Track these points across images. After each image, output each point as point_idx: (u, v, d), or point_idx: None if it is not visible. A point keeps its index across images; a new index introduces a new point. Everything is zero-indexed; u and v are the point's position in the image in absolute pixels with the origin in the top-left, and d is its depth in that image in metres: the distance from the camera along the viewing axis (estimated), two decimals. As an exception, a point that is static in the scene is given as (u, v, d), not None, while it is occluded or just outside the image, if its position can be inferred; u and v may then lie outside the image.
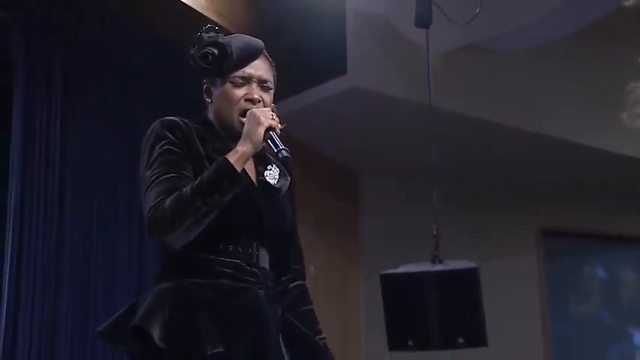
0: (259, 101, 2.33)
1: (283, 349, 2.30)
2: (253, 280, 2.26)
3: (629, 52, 4.91)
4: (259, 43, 2.40)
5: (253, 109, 2.28)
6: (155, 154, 2.25)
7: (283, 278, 2.41)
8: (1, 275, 4.16)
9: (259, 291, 2.26)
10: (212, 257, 2.22)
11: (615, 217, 6.80)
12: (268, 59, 2.41)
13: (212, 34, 2.33)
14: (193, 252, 2.22)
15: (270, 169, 2.38)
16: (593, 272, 7.16)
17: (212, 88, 2.38)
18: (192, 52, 2.32)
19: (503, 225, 6.57)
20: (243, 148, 2.22)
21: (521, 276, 6.60)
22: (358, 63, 5.22)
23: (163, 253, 2.29)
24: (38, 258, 4.26)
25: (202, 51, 2.30)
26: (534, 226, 6.79)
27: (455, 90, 5.27)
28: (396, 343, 3.79)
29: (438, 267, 3.72)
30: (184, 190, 2.16)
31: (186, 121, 2.33)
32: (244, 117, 2.29)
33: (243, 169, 2.25)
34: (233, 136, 2.29)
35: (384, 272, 3.76)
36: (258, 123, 2.23)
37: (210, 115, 2.39)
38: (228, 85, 2.34)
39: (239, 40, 2.38)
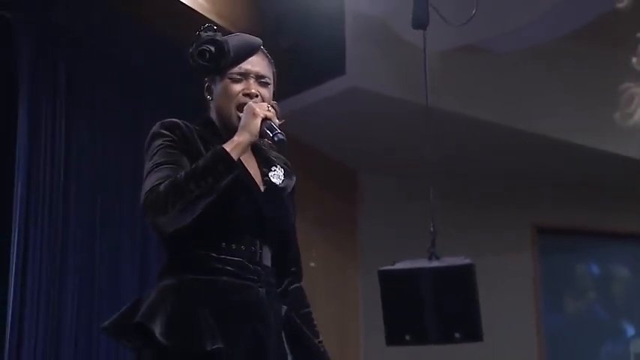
0: (257, 96, 2.34)
1: (286, 347, 2.32)
2: (255, 277, 2.27)
3: (622, 53, 4.94)
4: (257, 40, 2.42)
5: (250, 103, 2.30)
6: (155, 150, 2.27)
7: (281, 280, 2.42)
8: (7, 276, 4.16)
9: (260, 289, 2.28)
10: (214, 255, 2.23)
11: (609, 214, 6.80)
12: (267, 56, 2.43)
13: (210, 32, 2.34)
14: (196, 250, 2.23)
15: (275, 170, 2.40)
16: (587, 269, 7.16)
17: (212, 86, 2.40)
18: (190, 50, 2.34)
19: (499, 222, 6.58)
20: (239, 138, 2.23)
21: (516, 272, 6.61)
22: (357, 64, 5.24)
23: (166, 251, 2.30)
24: (43, 258, 4.25)
25: (200, 48, 2.32)
26: (529, 223, 6.81)
27: (452, 90, 5.27)
28: (393, 337, 3.78)
29: (435, 263, 3.70)
30: (179, 175, 2.18)
31: (187, 122, 2.35)
32: (242, 111, 2.30)
33: (247, 171, 2.29)
34: (233, 133, 2.29)
35: (381, 268, 3.77)
36: (254, 114, 2.24)
37: (212, 114, 2.41)
38: (227, 81, 2.36)
39: (237, 37, 2.41)
